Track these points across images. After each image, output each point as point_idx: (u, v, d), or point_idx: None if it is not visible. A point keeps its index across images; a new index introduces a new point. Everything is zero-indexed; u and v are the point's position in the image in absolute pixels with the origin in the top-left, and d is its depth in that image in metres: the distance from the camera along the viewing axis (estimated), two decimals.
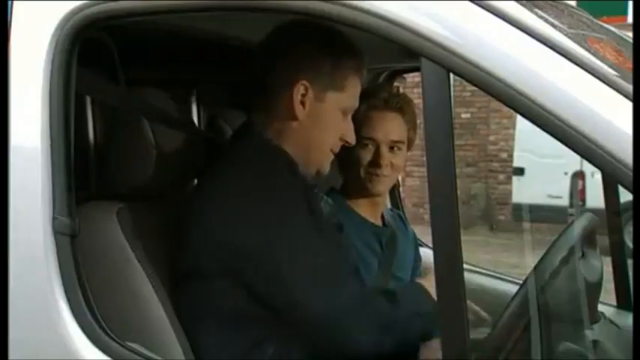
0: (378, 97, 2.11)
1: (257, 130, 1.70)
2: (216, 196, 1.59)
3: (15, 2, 1.47)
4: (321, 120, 1.69)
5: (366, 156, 2.09)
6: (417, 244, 2.41)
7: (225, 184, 1.60)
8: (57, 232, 1.41)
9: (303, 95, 1.65)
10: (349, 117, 1.76)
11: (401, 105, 2.11)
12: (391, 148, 2.10)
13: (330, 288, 1.56)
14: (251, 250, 1.51)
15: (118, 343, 1.41)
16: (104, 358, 1.39)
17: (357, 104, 1.78)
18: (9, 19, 1.47)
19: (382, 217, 2.25)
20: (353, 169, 2.12)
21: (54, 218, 1.41)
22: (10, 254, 1.42)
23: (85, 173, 1.66)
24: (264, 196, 1.56)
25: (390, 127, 2.09)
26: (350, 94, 1.72)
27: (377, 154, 2.08)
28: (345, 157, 2.06)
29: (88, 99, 1.69)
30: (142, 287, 1.53)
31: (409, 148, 2.19)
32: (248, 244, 1.51)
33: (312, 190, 1.73)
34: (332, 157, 1.77)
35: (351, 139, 1.77)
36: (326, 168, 1.77)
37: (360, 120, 2.02)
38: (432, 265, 1.26)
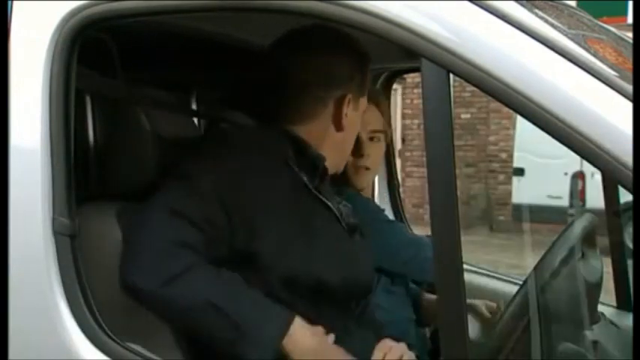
0: None
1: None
2: None
3: (15, 2, 1.47)
4: (353, 126, 1.75)
5: None
6: (404, 234, 2.35)
7: None
8: (57, 233, 1.41)
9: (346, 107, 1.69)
10: None
11: (376, 97, 2.19)
12: (371, 139, 2.20)
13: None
14: None
15: (117, 343, 1.41)
16: (104, 358, 1.39)
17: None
18: (9, 19, 1.47)
19: None
20: None
21: (54, 219, 1.41)
22: (10, 254, 1.42)
23: (85, 173, 1.66)
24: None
25: (367, 117, 2.09)
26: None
27: (358, 143, 2.09)
28: None
29: (88, 99, 1.69)
30: None
31: (387, 145, 2.32)
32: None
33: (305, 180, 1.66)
34: None
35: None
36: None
37: None
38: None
